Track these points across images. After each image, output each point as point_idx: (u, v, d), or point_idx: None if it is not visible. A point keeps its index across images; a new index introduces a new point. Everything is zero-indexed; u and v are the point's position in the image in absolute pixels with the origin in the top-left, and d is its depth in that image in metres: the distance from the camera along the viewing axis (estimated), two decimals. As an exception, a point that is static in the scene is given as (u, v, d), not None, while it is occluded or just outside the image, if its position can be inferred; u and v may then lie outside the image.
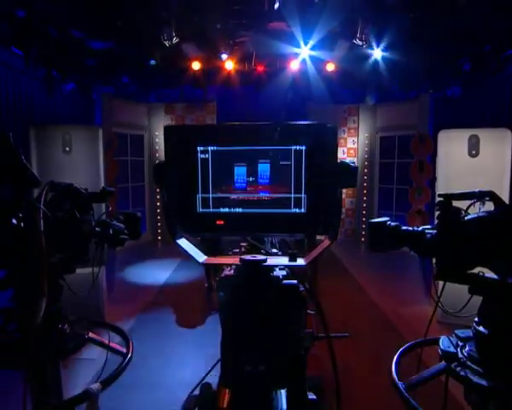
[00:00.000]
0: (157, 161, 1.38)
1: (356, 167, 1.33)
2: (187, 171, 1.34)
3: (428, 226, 1.48)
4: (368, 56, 6.74)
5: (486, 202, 1.45)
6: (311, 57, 7.02)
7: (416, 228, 1.49)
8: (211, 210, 1.33)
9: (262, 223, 1.33)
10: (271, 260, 1.37)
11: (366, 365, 3.90)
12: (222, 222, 1.33)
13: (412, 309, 5.26)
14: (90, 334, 1.71)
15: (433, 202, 5.54)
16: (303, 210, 1.30)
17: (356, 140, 9.50)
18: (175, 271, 7.24)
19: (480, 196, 1.45)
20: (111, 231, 1.59)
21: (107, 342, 1.72)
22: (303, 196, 1.30)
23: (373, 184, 9.42)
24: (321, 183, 1.29)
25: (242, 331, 1.27)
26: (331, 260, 7.44)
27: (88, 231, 1.55)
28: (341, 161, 1.31)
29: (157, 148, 9.37)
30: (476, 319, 1.46)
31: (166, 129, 1.39)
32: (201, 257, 1.49)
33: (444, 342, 1.54)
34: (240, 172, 1.31)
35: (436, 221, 1.44)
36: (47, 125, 4.99)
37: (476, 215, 1.38)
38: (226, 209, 1.33)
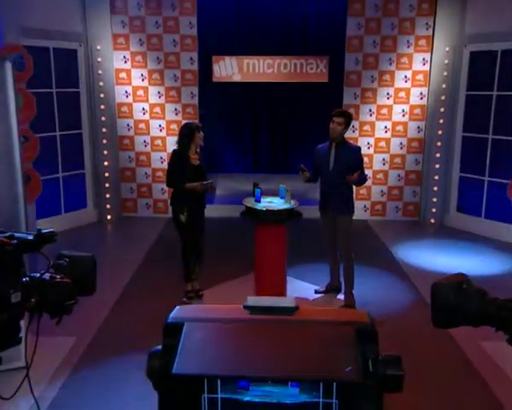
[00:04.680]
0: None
1: (401, 375, 1.05)
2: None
3: None
4: None
5: None
6: None
7: (508, 300, 1.17)
8: None
9: None
10: None
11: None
12: None
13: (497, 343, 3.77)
14: None
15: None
16: None
17: (428, 58, 6.19)
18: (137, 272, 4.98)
19: None
20: (53, 296, 1.30)
21: None
22: (334, 401, 1.10)
23: (453, 131, 6.30)
24: (357, 389, 1.08)
25: None
26: (377, 253, 5.48)
27: (19, 305, 1.25)
28: (385, 358, 1.06)
29: (100, 72, 6.14)
30: None
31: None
32: None
33: None
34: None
35: None
36: None
37: None
38: None
